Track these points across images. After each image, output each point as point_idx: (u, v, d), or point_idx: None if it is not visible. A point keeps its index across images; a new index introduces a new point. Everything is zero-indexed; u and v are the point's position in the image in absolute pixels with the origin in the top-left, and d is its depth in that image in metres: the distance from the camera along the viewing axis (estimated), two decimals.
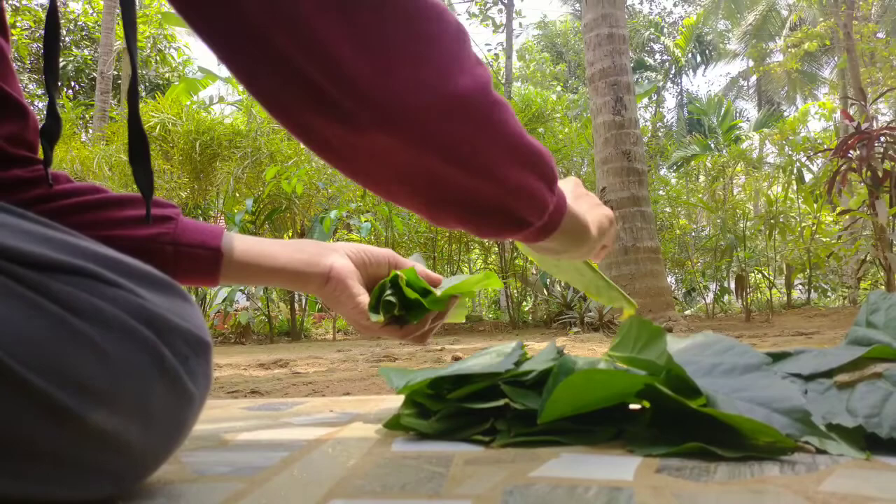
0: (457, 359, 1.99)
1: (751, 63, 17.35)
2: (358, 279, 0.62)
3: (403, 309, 0.60)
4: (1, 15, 0.52)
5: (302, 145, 0.41)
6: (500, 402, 0.52)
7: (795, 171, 5.57)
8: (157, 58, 12.12)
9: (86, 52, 11.71)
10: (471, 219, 0.45)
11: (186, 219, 0.58)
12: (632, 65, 5.37)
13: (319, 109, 0.36)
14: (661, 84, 17.69)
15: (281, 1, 0.33)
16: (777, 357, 0.56)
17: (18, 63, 10.66)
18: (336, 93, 0.35)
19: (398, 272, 0.61)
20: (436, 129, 0.38)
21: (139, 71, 10.09)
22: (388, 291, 0.60)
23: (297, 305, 5.30)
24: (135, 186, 0.49)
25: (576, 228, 0.52)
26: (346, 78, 0.35)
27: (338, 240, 6.18)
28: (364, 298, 0.61)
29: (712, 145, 12.09)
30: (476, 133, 0.40)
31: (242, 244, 0.60)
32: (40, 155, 0.55)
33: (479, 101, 0.40)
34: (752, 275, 5.62)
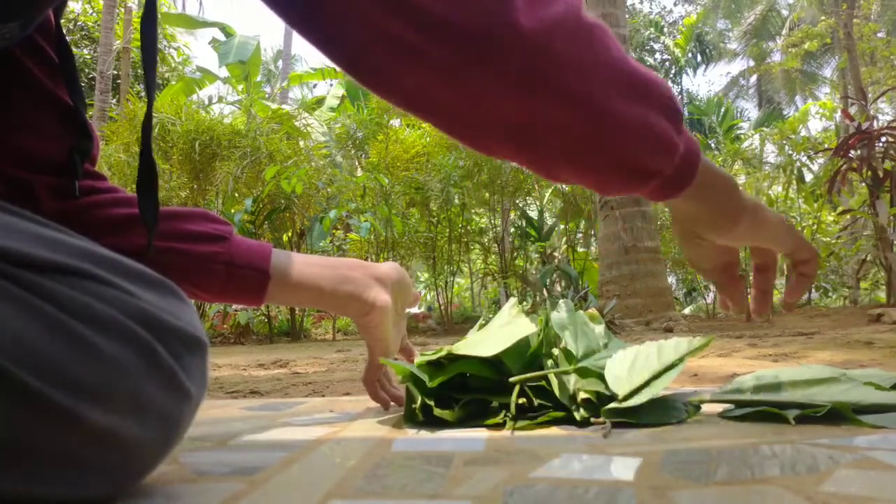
0: None
1: (751, 62, 17.34)
2: (393, 317, 0.66)
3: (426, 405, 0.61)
4: (65, 43, 0.54)
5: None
6: (511, 399, 0.59)
7: (796, 170, 5.56)
8: (157, 57, 12.08)
9: (85, 51, 11.69)
10: (587, 172, 0.40)
11: (238, 237, 0.59)
12: None
13: (409, 58, 0.35)
14: None
15: None
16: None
17: None
18: (417, 36, 0.34)
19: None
20: (532, 57, 0.35)
21: (136, 71, 10.01)
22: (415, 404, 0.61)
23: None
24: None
25: (719, 184, 0.44)
26: (422, 12, 0.33)
27: (336, 239, 6.18)
28: (395, 347, 0.68)
29: (712, 145, 12.09)
30: (578, 57, 0.35)
31: (287, 267, 0.60)
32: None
33: (574, 23, 0.36)
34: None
